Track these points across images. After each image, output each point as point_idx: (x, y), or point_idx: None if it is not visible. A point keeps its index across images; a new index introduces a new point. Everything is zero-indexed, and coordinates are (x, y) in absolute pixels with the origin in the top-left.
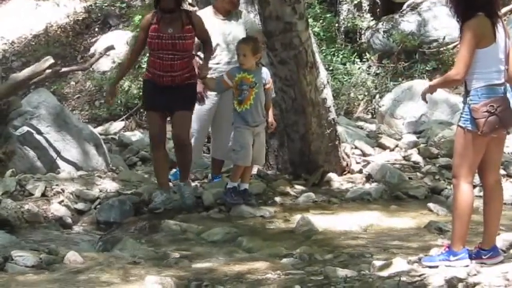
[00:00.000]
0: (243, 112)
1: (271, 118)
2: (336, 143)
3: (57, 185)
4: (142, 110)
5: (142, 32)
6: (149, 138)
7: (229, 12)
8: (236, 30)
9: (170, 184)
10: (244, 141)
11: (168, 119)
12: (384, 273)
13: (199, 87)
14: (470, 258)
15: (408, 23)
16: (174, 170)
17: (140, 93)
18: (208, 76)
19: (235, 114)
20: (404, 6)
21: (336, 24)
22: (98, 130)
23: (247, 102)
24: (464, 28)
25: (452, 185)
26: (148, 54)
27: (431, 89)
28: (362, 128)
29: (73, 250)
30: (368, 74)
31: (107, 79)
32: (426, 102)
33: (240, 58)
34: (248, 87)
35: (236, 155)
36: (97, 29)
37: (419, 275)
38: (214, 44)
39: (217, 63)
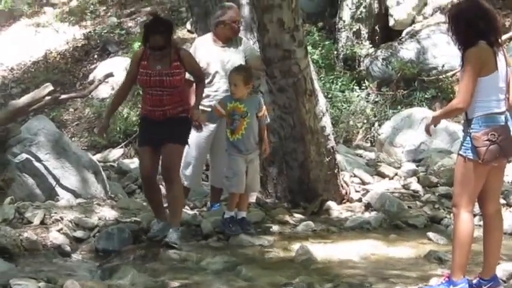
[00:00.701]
0: (235, 141)
1: (266, 144)
2: (335, 171)
3: (56, 212)
4: None
5: (133, 67)
6: (140, 173)
7: (229, 39)
8: (235, 57)
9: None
10: (237, 169)
11: None
12: None
13: (196, 115)
14: None
15: (407, 50)
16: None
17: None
18: (206, 103)
19: (228, 142)
20: (403, 34)
21: (335, 52)
22: (97, 157)
23: (239, 131)
24: (465, 56)
25: (452, 214)
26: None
27: (435, 121)
28: (361, 156)
29: (72, 278)
30: (367, 101)
31: (106, 106)
32: (431, 135)
33: (232, 88)
34: (239, 117)
35: (229, 182)
36: (96, 56)
37: None
38: (212, 72)
39: (215, 91)
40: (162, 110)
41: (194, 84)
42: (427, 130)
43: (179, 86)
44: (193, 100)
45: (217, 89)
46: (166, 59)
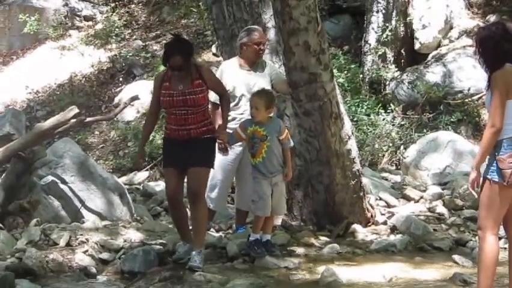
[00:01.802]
0: (257, 165)
1: (288, 167)
2: (361, 194)
3: (81, 234)
4: None
5: (156, 90)
6: (166, 194)
7: (254, 62)
8: (261, 81)
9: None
10: (262, 192)
11: None
12: None
13: (224, 138)
14: None
15: (433, 74)
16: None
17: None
18: (232, 126)
19: (251, 165)
20: (429, 57)
21: (361, 75)
22: (122, 180)
23: (259, 155)
24: (492, 79)
25: (477, 237)
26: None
27: (477, 167)
28: (386, 179)
29: None
30: (393, 125)
31: (132, 129)
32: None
33: (252, 111)
34: (259, 141)
35: (255, 206)
36: (121, 79)
37: None
38: (238, 95)
39: (241, 114)
40: (186, 130)
41: (220, 107)
42: (473, 186)
43: (203, 104)
44: (218, 122)
45: (243, 111)
46: (187, 78)
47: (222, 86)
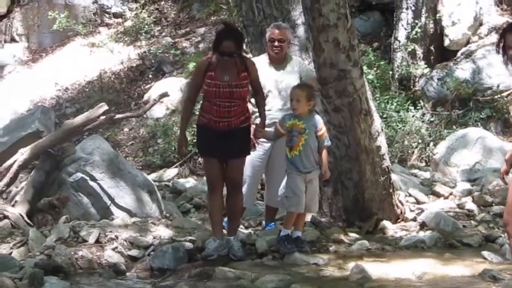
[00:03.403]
0: (293, 158)
1: (325, 166)
2: (390, 190)
3: (111, 231)
4: (195, 157)
5: (198, 77)
6: (208, 183)
7: (279, 59)
8: (289, 77)
9: (224, 231)
10: (296, 188)
11: None
12: None
13: (261, 136)
14: None
15: (462, 70)
16: (272, 224)
17: (194, 140)
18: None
19: (287, 160)
20: (458, 54)
21: (390, 72)
22: (152, 177)
23: (297, 148)
24: None
25: (505, 233)
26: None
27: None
28: (416, 176)
29: None
30: (422, 121)
31: (161, 126)
32: (506, 184)
33: (293, 103)
34: (297, 134)
35: (289, 202)
36: (150, 76)
37: None
38: (266, 91)
39: (269, 110)
40: (228, 121)
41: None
42: (501, 177)
43: (247, 97)
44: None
45: (270, 107)
46: (233, 69)
47: (260, 83)
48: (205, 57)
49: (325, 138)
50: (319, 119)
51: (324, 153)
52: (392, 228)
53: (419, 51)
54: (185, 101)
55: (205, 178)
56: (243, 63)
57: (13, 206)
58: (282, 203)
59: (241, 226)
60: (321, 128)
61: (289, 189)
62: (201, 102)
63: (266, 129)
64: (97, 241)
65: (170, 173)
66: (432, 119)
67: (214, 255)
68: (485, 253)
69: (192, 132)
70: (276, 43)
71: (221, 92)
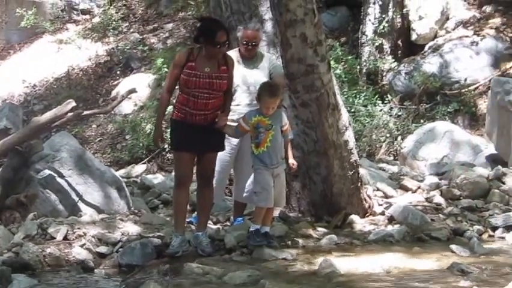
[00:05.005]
0: (261, 154)
1: (291, 159)
2: (359, 185)
3: (79, 228)
4: (164, 153)
5: (177, 69)
6: (177, 178)
7: (247, 56)
8: (258, 73)
9: (193, 227)
10: (265, 183)
11: None
12: None
13: (223, 122)
14: None
15: (429, 64)
16: (241, 219)
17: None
18: (228, 117)
19: (253, 156)
20: (426, 48)
21: (358, 66)
22: (120, 173)
23: (264, 144)
24: None
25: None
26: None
27: None
28: (384, 170)
29: None
30: (390, 115)
31: (129, 122)
32: None
33: (270, 110)
34: (265, 130)
35: (258, 197)
36: (118, 72)
37: None
38: (234, 86)
39: (237, 105)
40: (204, 115)
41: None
42: None
43: (224, 90)
44: None
45: (239, 103)
46: (214, 61)
47: (233, 79)
48: (184, 50)
49: (289, 132)
50: (283, 114)
51: (288, 145)
52: (360, 223)
53: (387, 46)
54: (162, 93)
55: (173, 174)
56: (224, 57)
57: None
58: (250, 199)
59: (209, 222)
60: (286, 122)
61: (258, 184)
62: (177, 96)
63: (232, 124)
64: (65, 238)
65: (139, 169)
66: (400, 113)
67: (179, 252)
68: (453, 247)
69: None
70: (250, 46)
71: (201, 82)
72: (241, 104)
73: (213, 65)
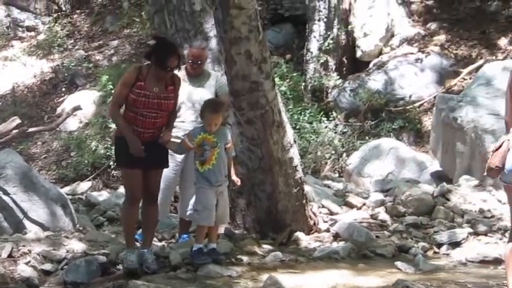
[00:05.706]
0: (206, 172)
1: (234, 176)
2: (304, 202)
3: (24, 245)
4: (109, 170)
5: (126, 88)
6: (128, 195)
7: (199, 74)
8: (203, 91)
9: (138, 244)
10: (207, 202)
11: None
12: None
13: (168, 138)
14: None
15: (374, 81)
16: (186, 236)
17: (108, 153)
18: (173, 133)
19: (198, 174)
20: (371, 65)
21: (303, 83)
22: (65, 190)
23: (210, 162)
24: None
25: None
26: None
27: None
28: (329, 187)
29: None
30: (335, 132)
31: (75, 139)
32: None
33: (213, 127)
34: (210, 147)
35: (199, 216)
36: (64, 89)
37: None
38: (179, 103)
39: (182, 122)
40: (152, 133)
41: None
42: None
43: (172, 110)
44: None
45: (183, 119)
46: (162, 81)
47: (178, 98)
48: (133, 69)
49: (232, 150)
50: (227, 131)
51: (231, 162)
52: (305, 240)
53: (332, 63)
54: (111, 108)
55: (118, 191)
56: (171, 77)
57: None
58: (192, 217)
59: (154, 239)
60: (230, 140)
61: (200, 203)
62: (123, 113)
63: (176, 140)
64: (10, 255)
65: (84, 186)
66: (345, 130)
67: (138, 268)
68: (398, 263)
69: (106, 146)
70: (195, 64)
71: (150, 102)
72: (186, 120)
73: (161, 85)
